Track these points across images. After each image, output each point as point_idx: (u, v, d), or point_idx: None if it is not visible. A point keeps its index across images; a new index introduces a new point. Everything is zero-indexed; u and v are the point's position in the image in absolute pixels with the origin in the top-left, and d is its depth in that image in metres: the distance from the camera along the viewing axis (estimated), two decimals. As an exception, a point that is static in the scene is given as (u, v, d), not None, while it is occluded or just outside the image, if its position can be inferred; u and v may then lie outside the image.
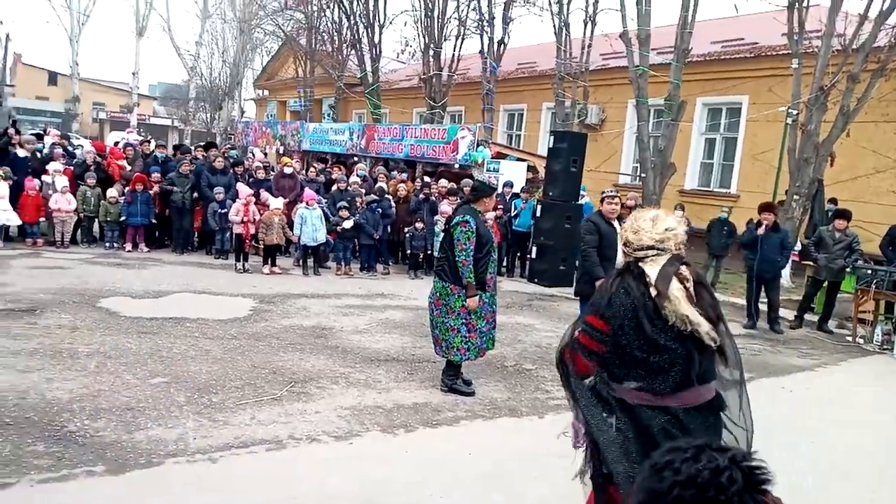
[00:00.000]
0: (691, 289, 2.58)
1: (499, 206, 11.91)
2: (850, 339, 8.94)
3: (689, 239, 2.77)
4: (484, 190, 5.58)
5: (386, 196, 11.49)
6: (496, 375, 6.04)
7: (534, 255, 11.57)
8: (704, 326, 2.53)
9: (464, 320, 5.27)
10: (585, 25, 17.95)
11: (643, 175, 15.44)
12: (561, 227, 11.04)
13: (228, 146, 19.47)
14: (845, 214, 9.66)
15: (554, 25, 18.52)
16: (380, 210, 10.96)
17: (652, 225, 2.69)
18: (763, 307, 9.32)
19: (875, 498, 4.29)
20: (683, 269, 2.62)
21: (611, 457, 2.57)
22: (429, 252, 11.09)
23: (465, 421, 4.91)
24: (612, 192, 6.98)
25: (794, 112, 12.57)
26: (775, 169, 13.39)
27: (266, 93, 39.15)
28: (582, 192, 12.19)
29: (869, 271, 8.69)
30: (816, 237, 9.66)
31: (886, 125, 13.67)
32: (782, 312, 9.40)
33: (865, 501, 4.24)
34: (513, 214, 12.02)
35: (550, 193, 11.47)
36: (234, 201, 10.29)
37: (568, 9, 17.99)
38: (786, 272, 11.50)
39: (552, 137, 12.07)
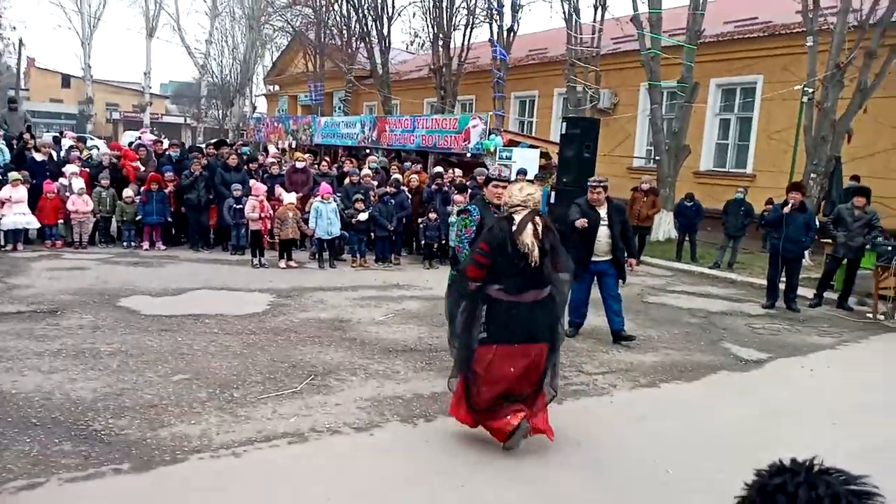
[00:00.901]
0: (539, 229, 4.06)
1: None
2: (870, 316, 8.84)
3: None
4: (488, 179, 5.64)
5: (402, 189, 11.50)
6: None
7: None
8: (535, 253, 4.01)
9: None
10: (596, 10, 17.76)
11: (657, 158, 15.34)
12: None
13: (241, 142, 19.56)
14: (864, 191, 9.53)
15: (564, 11, 18.35)
16: (392, 202, 10.97)
17: (519, 191, 4.27)
18: (781, 286, 9.24)
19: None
20: (537, 218, 4.12)
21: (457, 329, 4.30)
22: (443, 242, 11.10)
23: (485, 409, 4.91)
24: (597, 181, 7.08)
25: (810, 90, 12.39)
26: (791, 148, 13.22)
27: (277, 88, 39.27)
28: (596, 178, 12.11)
29: (889, 248, 8.57)
30: (835, 215, 9.54)
31: (905, 100, 13.44)
32: (801, 291, 9.32)
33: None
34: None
35: (564, 180, 11.42)
36: (249, 197, 10.35)
37: (578, -7, 17.78)
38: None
39: (564, 123, 12.01)
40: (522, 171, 12.78)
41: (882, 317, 8.73)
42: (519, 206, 4.16)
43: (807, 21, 12.60)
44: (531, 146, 15.30)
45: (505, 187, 5.38)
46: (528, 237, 3.99)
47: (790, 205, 8.86)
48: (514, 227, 4.03)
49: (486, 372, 4.09)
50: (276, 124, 24.85)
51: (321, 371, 5.45)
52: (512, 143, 14.84)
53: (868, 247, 9.01)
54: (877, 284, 8.82)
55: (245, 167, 11.47)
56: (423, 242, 11.26)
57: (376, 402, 4.87)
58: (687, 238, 12.64)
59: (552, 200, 11.54)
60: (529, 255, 3.99)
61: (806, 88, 12.42)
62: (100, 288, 7.81)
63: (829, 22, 12.62)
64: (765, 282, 9.51)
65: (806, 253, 10.42)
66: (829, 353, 7.14)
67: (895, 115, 13.49)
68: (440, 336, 6.71)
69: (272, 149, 16.21)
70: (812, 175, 12.30)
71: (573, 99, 18.19)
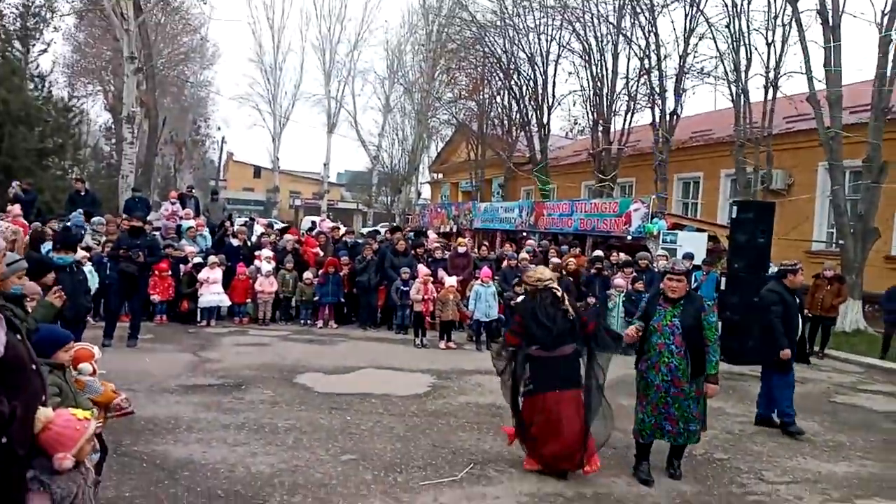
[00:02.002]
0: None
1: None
2: None
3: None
4: (664, 273, 5.67)
5: (565, 276, 11.29)
6: (684, 466, 5.64)
7: (720, 332, 10.83)
8: (571, 311, 5.32)
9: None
10: (766, 90, 17.13)
11: (841, 242, 14.11)
12: (749, 301, 10.29)
13: (410, 229, 20.61)
14: None
15: (731, 93, 17.88)
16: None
17: (543, 273, 5.59)
18: None
19: None
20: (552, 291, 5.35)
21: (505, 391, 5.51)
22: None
23: (652, 514, 4.63)
24: (795, 264, 6.78)
25: None
26: None
27: (440, 176, 41.32)
28: (770, 266, 11.35)
29: None
30: None
31: None
32: None
33: None
34: (694, 287, 11.43)
35: (736, 265, 10.81)
36: (415, 280, 10.84)
37: (746, 76, 17.31)
38: None
39: (735, 207, 11.45)
40: (689, 256, 12.29)
41: None
42: (547, 280, 5.41)
43: None
44: (697, 229, 14.70)
45: (680, 281, 5.24)
46: (567, 301, 5.37)
47: None
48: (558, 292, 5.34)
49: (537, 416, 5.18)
50: (439, 210, 26.00)
51: (480, 460, 5.43)
52: (677, 227, 14.36)
53: None
54: None
55: (413, 252, 12.07)
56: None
57: (537, 499, 4.74)
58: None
59: (722, 287, 10.91)
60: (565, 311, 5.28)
61: None
62: (279, 364, 8.43)
63: None
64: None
65: None
66: None
67: None
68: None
69: (431, 234, 16.93)
70: None
71: (742, 180, 17.41)
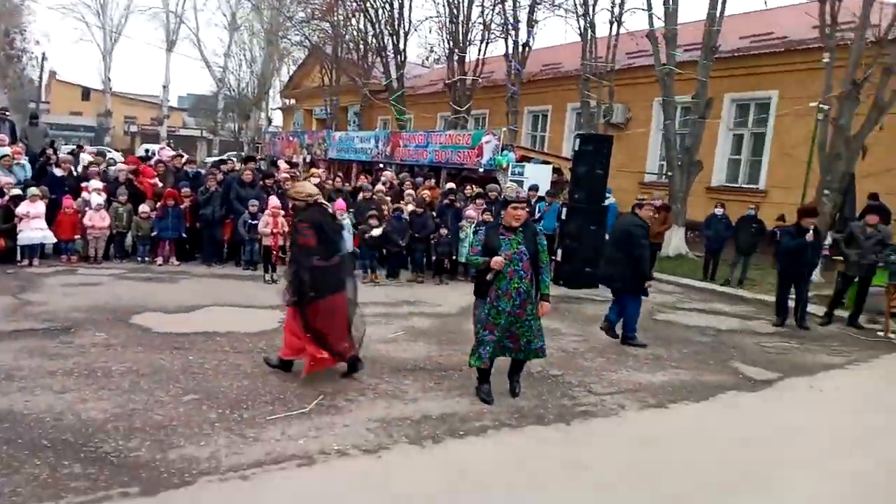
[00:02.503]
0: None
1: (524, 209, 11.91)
2: (881, 334, 8.77)
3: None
4: (506, 201, 5.65)
5: (427, 210, 11.36)
6: (522, 382, 6.03)
7: (559, 258, 11.53)
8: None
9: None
10: (611, 25, 17.86)
11: (670, 173, 15.31)
12: (587, 229, 11.00)
13: (260, 158, 19.69)
14: (876, 209, 9.47)
15: (579, 26, 18.45)
16: (406, 219, 11.00)
17: (310, 188, 6.04)
18: (791, 303, 9.18)
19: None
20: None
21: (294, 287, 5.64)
22: (454, 258, 11.12)
23: (492, 430, 4.92)
24: (641, 199, 7.60)
25: (826, 107, 12.33)
26: (805, 164, 13.15)
27: (293, 102, 39.65)
28: (607, 195, 12.11)
29: (903, 267, 8.49)
30: (848, 233, 9.48)
31: (922, 117, 13.32)
32: (812, 308, 9.25)
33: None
34: (536, 217, 12.00)
35: (576, 196, 11.42)
36: (263, 213, 10.46)
37: (593, 10, 17.93)
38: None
39: (577, 140, 12.01)
40: (534, 188, 12.82)
41: (893, 335, 8.64)
42: (311, 195, 5.84)
43: (824, 37, 12.56)
44: (543, 162, 15.32)
45: (524, 209, 5.44)
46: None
47: (811, 232, 8.77)
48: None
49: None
50: (291, 138, 25.07)
51: (330, 391, 5.48)
52: (524, 159, 14.87)
53: (880, 265, 8.94)
54: (889, 303, 8.75)
55: (261, 183, 11.57)
56: (433, 258, 11.29)
57: (385, 423, 4.88)
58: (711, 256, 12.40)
59: (563, 217, 11.52)
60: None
61: (822, 105, 12.36)
62: (113, 305, 7.89)
63: (847, 38, 12.57)
64: (775, 299, 9.45)
65: (816, 270, 10.36)
66: (840, 372, 7.08)
67: (912, 131, 13.39)
68: (449, 354, 6.75)
69: (283, 164, 16.34)
70: (826, 192, 12.21)
71: (586, 114, 18.24)
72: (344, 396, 5.39)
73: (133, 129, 49.42)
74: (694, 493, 4.15)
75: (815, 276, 10.87)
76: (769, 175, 16.24)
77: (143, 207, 10.89)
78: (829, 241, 11.23)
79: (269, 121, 41.41)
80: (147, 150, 16.73)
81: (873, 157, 12.90)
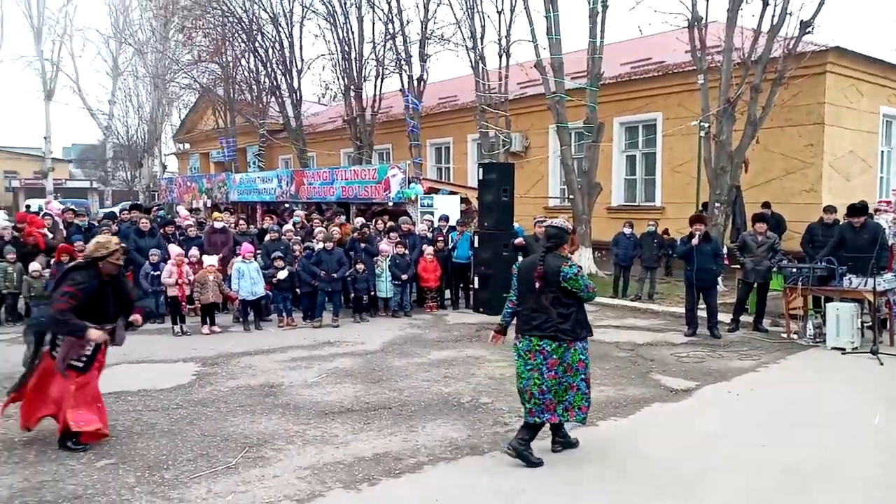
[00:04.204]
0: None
1: (439, 239, 12.02)
2: (784, 335, 9.33)
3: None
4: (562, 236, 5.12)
5: (335, 247, 11.05)
6: (453, 414, 6.02)
7: (476, 286, 11.67)
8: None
9: (583, 375, 4.96)
10: (500, 57, 18.46)
11: (571, 197, 15.85)
12: (500, 255, 11.19)
13: (157, 206, 18.90)
14: (763, 218, 10.20)
15: (470, 59, 18.97)
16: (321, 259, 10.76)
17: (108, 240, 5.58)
18: (702, 314, 9.63)
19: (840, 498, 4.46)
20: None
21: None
22: (371, 293, 11.01)
23: (428, 466, 4.86)
24: (541, 218, 7.58)
25: (706, 125, 13.19)
26: (695, 179, 13.97)
27: (187, 146, 38.45)
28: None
29: (794, 269, 9.12)
30: (740, 242, 10.11)
31: (791, 129, 14.53)
32: (720, 316, 9.74)
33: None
34: (451, 247, 12.11)
35: (486, 224, 11.62)
36: (166, 263, 10.01)
37: (482, 43, 18.51)
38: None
39: (481, 169, 12.26)
40: (444, 217, 12.97)
41: (795, 335, 9.23)
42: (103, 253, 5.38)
43: (696, 60, 13.47)
44: (451, 192, 15.53)
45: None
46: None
47: (696, 236, 9.32)
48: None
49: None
50: (189, 183, 24.23)
51: (256, 442, 5.26)
52: (432, 191, 15.02)
53: (774, 270, 9.57)
54: (787, 305, 9.34)
55: (161, 230, 11.08)
56: (352, 295, 11.11)
57: (316, 470, 4.73)
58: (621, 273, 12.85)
59: (476, 245, 11.69)
60: None
61: (701, 123, 13.22)
62: (9, 372, 7.28)
63: (717, 60, 13.55)
64: (685, 310, 9.90)
65: (719, 279, 10.95)
66: (752, 375, 7.46)
67: (784, 143, 14.56)
68: (376, 393, 6.65)
69: (182, 210, 15.73)
70: (716, 204, 13.01)
71: (486, 144, 18.69)
72: (271, 446, 5.19)
73: (15, 183, 46.28)
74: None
75: (718, 284, 11.49)
76: (664, 192, 17.13)
77: (34, 265, 10.19)
78: (724, 250, 11.95)
79: (164, 167, 39.86)
80: (40, 208, 15.63)
81: (754, 168, 13.90)
